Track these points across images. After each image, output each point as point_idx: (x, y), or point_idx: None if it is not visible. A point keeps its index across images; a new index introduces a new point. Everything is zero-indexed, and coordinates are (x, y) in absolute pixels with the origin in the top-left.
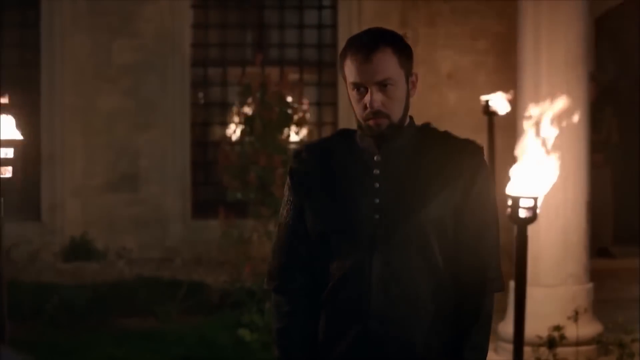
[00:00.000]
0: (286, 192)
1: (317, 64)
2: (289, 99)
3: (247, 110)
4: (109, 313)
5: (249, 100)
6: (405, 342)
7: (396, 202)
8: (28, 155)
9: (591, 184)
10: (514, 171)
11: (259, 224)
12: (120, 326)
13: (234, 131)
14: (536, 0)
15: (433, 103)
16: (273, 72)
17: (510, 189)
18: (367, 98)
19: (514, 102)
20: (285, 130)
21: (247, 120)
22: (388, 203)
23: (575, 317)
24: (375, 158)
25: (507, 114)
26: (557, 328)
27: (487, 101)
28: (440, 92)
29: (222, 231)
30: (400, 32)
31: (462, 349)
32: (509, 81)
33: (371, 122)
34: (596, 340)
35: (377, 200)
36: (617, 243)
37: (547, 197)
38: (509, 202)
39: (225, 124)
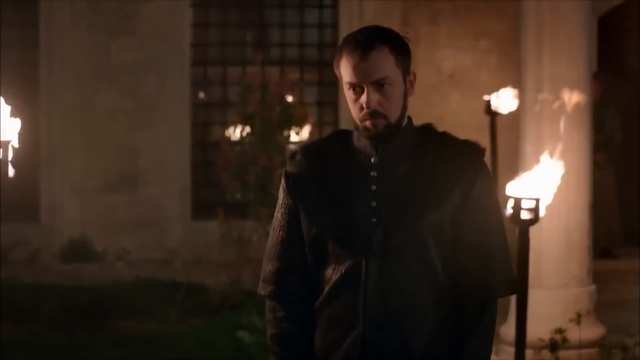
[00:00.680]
0: (280, 194)
1: (317, 64)
2: (290, 98)
3: (247, 110)
4: (107, 315)
5: (249, 100)
6: (404, 350)
7: (393, 205)
8: (27, 155)
9: (594, 184)
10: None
11: (259, 225)
12: (119, 328)
13: (234, 131)
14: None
15: (435, 103)
16: (273, 72)
17: (512, 190)
18: (363, 98)
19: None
20: (286, 130)
21: (246, 120)
22: (385, 206)
23: (578, 319)
24: (372, 160)
25: (510, 113)
26: (559, 331)
27: (489, 101)
28: (442, 92)
29: (221, 232)
30: (401, 31)
31: (462, 358)
32: (511, 81)
33: (368, 123)
34: (599, 344)
35: (374, 204)
36: (620, 244)
37: (550, 198)
38: (511, 204)
39: (225, 124)
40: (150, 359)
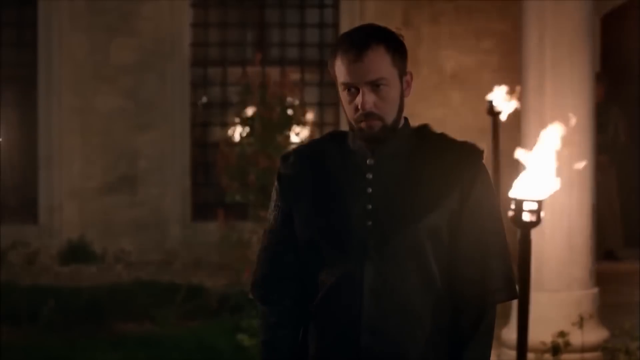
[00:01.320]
0: (274, 196)
1: (318, 64)
2: (290, 99)
3: (247, 110)
4: (105, 317)
5: (249, 100)
6: (400, 356)
7: (389, 208)
8: (26, 156)
9: (597, 186)
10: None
11: (259, 226)
12: (117, 331)
13: (233, 132)
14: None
15: (436, 103)
16: (274, 72)
17: (514, 192)
18: (358, 99)
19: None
20: (286, 131)
21: (246, 121)
22: (381, 209)
23: (580, 323)
24: (367, 161)
25: (512, 114)
26: (562, 334)
27: (491, 101)
28: (443, 93)
29: (221, 234)
30: (403, 31)
31: None
32: (513, 81)
33: (363, 125)
34: (602, 347)
35: (370, 206)
36: (623, 246)
37: (552, 200)
38: (512, 206)
39: (225, 125)
40: None
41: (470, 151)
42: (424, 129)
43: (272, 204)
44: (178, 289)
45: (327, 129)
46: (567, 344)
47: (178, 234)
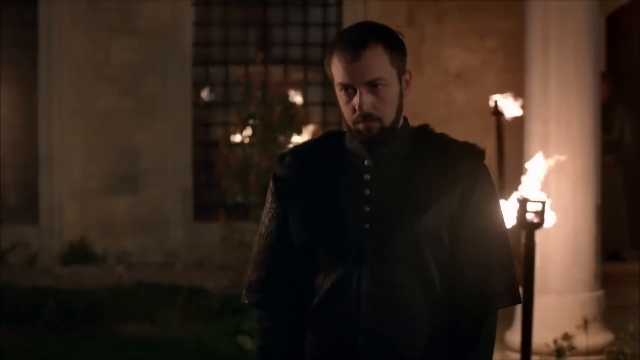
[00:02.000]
0: (268, 198)
1: (321, 63)
2: (292, 98)
3: (248, 110)
4: (106, 319)
5: (250, 100)
6: None
7: (388, 210)
8: (27, 156)
9: (602, 186)
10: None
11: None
12: (118, 332)
13: (234, 132)
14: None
15: (440, 103)
16: (276, 71)
17: (518, 193)
18: (355, 100)
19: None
20: (287, 131)
21: (247, 121)
22: (379, 212)
23: (585, 325)
24: (365, 163)
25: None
26: (566, 337)
27: (495, 102)
28: (447, 92)
29: (222, 235)
30: (407, 30)
31: None
32: (518, 80)
33: (361, 126)
34: (606, 350)
35: (367, 209)
36: (628, 247)
37: (556, 200)
38: (517, 207)
39: (227, 125)
40: None
41: (471, 151)
42: (424, 129)
43: (267, 206)
44: (179, 291)
45: (331, 129)
46: (571, 347)
47: (179, 235)
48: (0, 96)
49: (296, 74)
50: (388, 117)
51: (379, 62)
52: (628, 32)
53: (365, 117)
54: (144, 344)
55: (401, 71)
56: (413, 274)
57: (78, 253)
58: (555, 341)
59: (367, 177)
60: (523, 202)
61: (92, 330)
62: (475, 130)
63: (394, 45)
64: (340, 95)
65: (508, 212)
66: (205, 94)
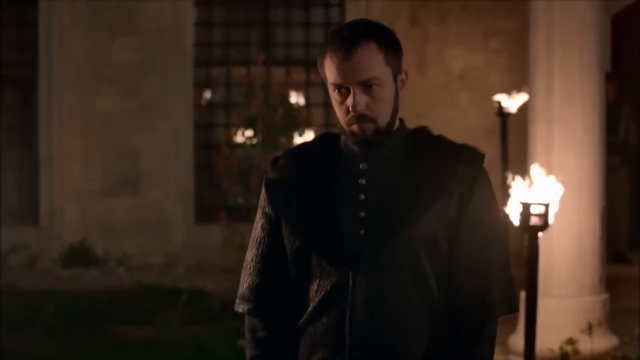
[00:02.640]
0: (261, 203)
1: None
2: (294, 99)
3: (250, 111)
4: (106, 321)
5: (251, 101)
6: None
7: (383, 215)
8: (27, 158)
9: (607, 187)
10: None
11: None
12: (118, 335)
13: (236, 133)
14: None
15: (444, 104)
16: (278, 72)
17: (521, 195)
18: (349, 100)
19: (525, 103)
20: (289, 132)
21: (249, 122)
22: (374, 217)
23: (590, 330)
24: (360, 166)
25: (521, 116)
26: (571, 341)
27: (499, 102)
28: (451, 93)
29: (223, 237)
30: (410, 30)
31: None
32: (522, 81)
33: (355, 127)
34: (611, 355)
35: (362, 214)
36: (634, 248)
37: (560, 203)
38: (520, 209)
39: (229, 126)
40: None
41: (470, 155)
42: (421, 131)
43: (259, 211)
44: (180, 293)
45: (333, 131)
46: (575, 351)
47: (180, 237)
48: (0, 97)
49: (298, 75)
50: (383, 118)
51: (373, 60)
52: (634, 32)
53: (359, 118)
54: (145, 347)
55: (396, 70)
56: (410, 281)
57: (78, 255)
58: (560, 347)
59: (362, 181)
60: (526, 204)
61: (92, 333)
62: (479, 131)
63: (389, 43)
64: (334, 96)
65: (512, 214)
66: (207, 95)
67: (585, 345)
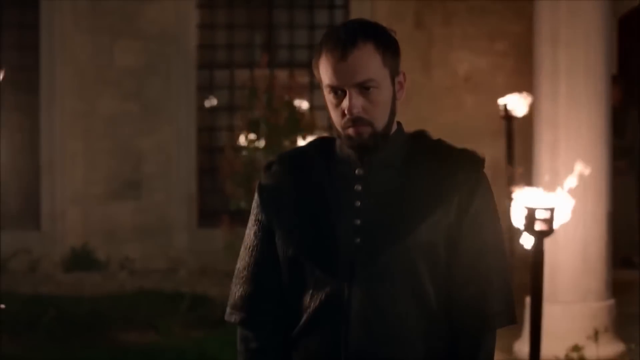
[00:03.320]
0: (254, 210)
1: None
2: (297, 102)
3: (253, 114)
4: (107, 327)
5: (255, 104)
6: None
7: (380, 223)
8: (28, 161)
9: (614, 192)
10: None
11: None
12: (119, 341)
13: (239, 137)
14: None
15: (449, 107)
16: (282, 75)
17: (526, 200)
18: (345, 103)
19: (530, 106)
20: (293, 135)
21: (252, 125)
22: (371, 224)
23: (596, 336)
24: (356, 172)
25: (527, 119)
26: (576, 348)
27: (505, 105)
28: (456, 96)
29: (225, 241)
30: (415, 32)
31: None
32: (528, 84)
33: (351, 131)
34: None
35: (358, 222)
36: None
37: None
38: (524, 214)
39: (232, 129)
40: None
41: (470, 160)
42: (420, 135)
43: (252, 217)
44: (182, 298)
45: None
46: (581, 358)
47: (183, 241)
48: (1, 100)
49: (302, 77)
50: (380, 121)
51: (369, 62)
52: None
53: (355, 121)
54: (146, 352)
55: (394, 72)
56: (407, 291)
57: (80, 259)
58: (566, 354)
59: (358, 187)
60: (531, 209)
61: (93, 339)
62: (484, 134)
63: (386, 44)
64: (329, 98)
65: (517, 218)
66: (211, 100)
67: (591, 352)
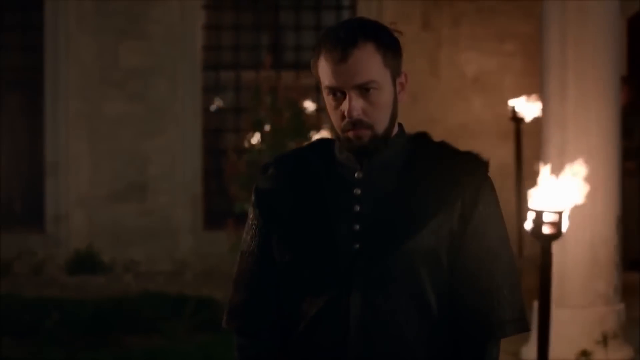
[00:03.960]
0: (250, 214)
1: None
2: (309, 104)
3: (257, 116)
4: (111, 330)
5: (259, 105)
6: None
7: (380, 228)
8: (32, 163)
9: (623, 194)
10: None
11: None
12: (123, 344)
13: (245, 138)
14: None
15: (457, 109)
16: (288, 76)
17: (534, 203)
18: (344, 105)
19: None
20: (298, 137)
21: (256, 127)
22: (370, 230)
23: (604, 341)
24: (356, 175)
25: (536, 119)
26: (585, 353)
27: (514, 107)
28: (464, 97)
29: (230, 244)
30: (422, 33)
31: None
32: (537, 85)
33: (350, 134)
34: None
35: (357, 227)
36: None
37: (574, 209)
38: (532, 217)
39: (238, 131)
40: None
41: (473, 163)
42: (421, 137)
43: (249, 222)
44: (187, 301)
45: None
46: None
47: (189, 244)
48: (6, 101)
49: (308, 79)
50: (381, 124)
51: (370, 62)
52: None
53: (355, 124)
54: (150, 356)
55: (396, 73)
56: (408, 298)
57: (85, 262)
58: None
59: (357, 191)
60: (539, 212)
61: (97, 342)
62: (493, 135)
63: (388, 44)
64: (328, 100)
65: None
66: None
67: (600, 357)
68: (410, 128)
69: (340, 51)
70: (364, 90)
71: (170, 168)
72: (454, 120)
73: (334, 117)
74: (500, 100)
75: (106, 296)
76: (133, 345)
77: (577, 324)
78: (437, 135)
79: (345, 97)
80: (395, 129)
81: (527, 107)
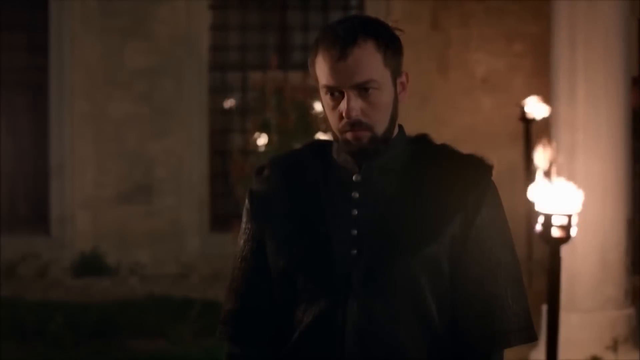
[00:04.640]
0: (244, 218)
1: None
2: (317, 104)
3: (263, 117)
4: (116, 333)
5: (264, 106)
6: None
7: (378, 234)
8: (37, 164)
9: (634, 196)
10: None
11: None
12: (128, 348)
13: (251, 139)
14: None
15: (466, 110)
16: (295, 76)
17: (542, 206)
18: (343, 105)
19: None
20: (304, 138)
21: (262, 128)
22: (368, 235)
23: (615, 346)
24: (354, 178)
25: (546, 120)
26: (595, 358)
27: (523, 107)
28: (473, 98)
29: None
30: (431, 33)
31: None
32: (547, 86)
33: (349, 135)
34: None
35: (355, 232)
36: None
37: (584, 212)
38: (541, 220)
39: (245, 132)
40: None
41: (476, 166)
42: (423, 139)
43: (242, 226)
44: (192, 304)
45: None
46: None
47: (195, 246)
48: (11, 102)
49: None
50: (380, 125)
51: (370, 61)
52: None
53: (354, 125)
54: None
55: (396, 72)
56: (407, 307)
57: (90, 264)
58: None
59: (355, 194)
60: (548, 215)
61: (101, 346)
62: (502, 136)
63: (388, 42)
64: (326, 100)
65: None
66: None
67: None
68: (419, 129)
69: (339, 49)
70: (363, 90)
71: (176, 169)
72: (463, 121)
73: (332, 117)
74: (510, 101)
75: (111, 299)
76: (138, 349)
77: (587, 329)
78: (445, 137)
79: (343, 97)
80: (396, 131)
81: (537, 108)
